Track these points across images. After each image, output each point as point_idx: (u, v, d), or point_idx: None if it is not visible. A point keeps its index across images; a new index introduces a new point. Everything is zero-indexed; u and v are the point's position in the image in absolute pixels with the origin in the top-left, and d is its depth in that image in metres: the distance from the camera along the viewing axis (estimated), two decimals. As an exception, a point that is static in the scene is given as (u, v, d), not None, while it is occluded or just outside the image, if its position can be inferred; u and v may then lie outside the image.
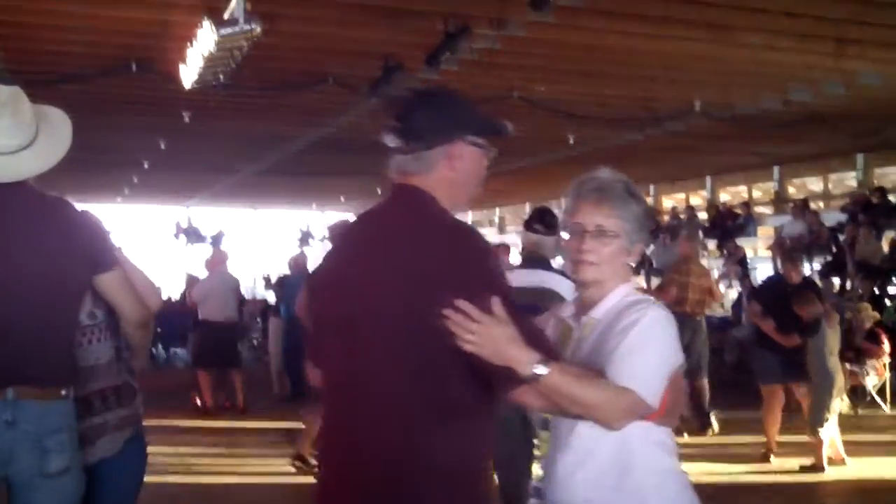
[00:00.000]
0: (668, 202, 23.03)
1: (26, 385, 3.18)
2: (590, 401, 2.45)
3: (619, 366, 2.51)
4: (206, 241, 25.21)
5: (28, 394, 3.19)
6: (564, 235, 2.93)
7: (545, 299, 5.92)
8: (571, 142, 14.18)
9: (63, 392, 3.26)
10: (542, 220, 6.14)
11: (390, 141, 2.59)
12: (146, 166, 18.05)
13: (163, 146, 15.18)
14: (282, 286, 13.58)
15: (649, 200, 22.33)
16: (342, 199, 25.26)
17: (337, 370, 2.57)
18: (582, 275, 2.74)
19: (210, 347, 11.40)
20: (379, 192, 22.57)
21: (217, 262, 12.03)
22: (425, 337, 2.35)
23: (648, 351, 2.56)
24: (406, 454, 2.42)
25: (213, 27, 7.16)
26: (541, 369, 2.34)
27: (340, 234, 2.95)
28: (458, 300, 2.27)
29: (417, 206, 2.54)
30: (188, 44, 7.93)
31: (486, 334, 2.29)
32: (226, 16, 7.16)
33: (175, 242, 26.62)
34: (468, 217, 29.81)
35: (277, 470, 8.13)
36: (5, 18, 8.20)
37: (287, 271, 13.42)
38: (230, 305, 11.56)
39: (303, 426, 8.11)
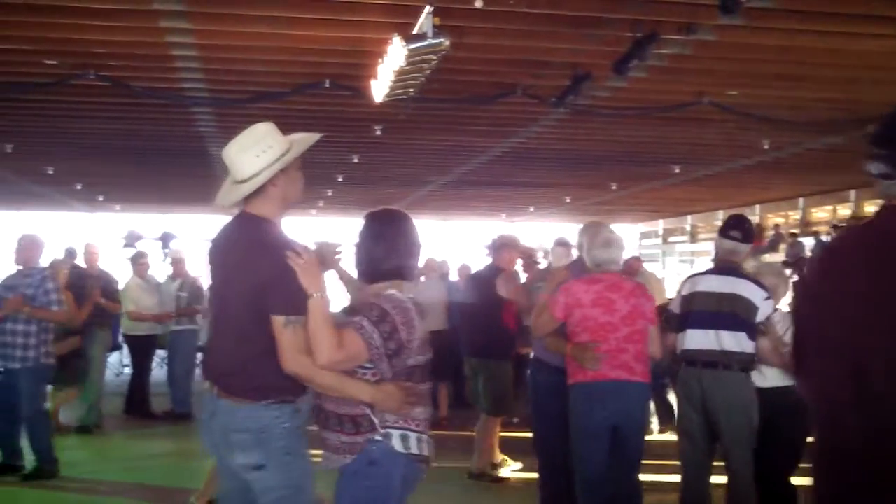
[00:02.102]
0: (870, 208, 22.07)
1: (220, 387, 3.81)
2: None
3: None
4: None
5: (224, 393, 3.78)
6: None
7: (737, 306, 5.79)
8: (766, 147, 13.76)
9: (254, 397, 3.70)
10: (739, 228, 6.08)
11: (874, 168, 2.52)
12: (340, 180, 18.55)
13: (356, 160, 15.57)
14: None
15: (850, 208, 21.44)
16: (531, 209, 25.30)
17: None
18: None
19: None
20: (567, 200, 22.55)
21: (429, 270, 12.23)
22: None
23: None
24: None
25: (403, 43, 7.29)
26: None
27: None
28: None
29: None
30: (379, 60, 8.10)
31: None
32: (415, 31, 7.28)
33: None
34: (659, 226, 29.42)
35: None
36: (205, 42, 8.59)
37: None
38: (440, 314, 11.62)
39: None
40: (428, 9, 7.02)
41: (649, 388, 5.77)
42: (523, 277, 8.87)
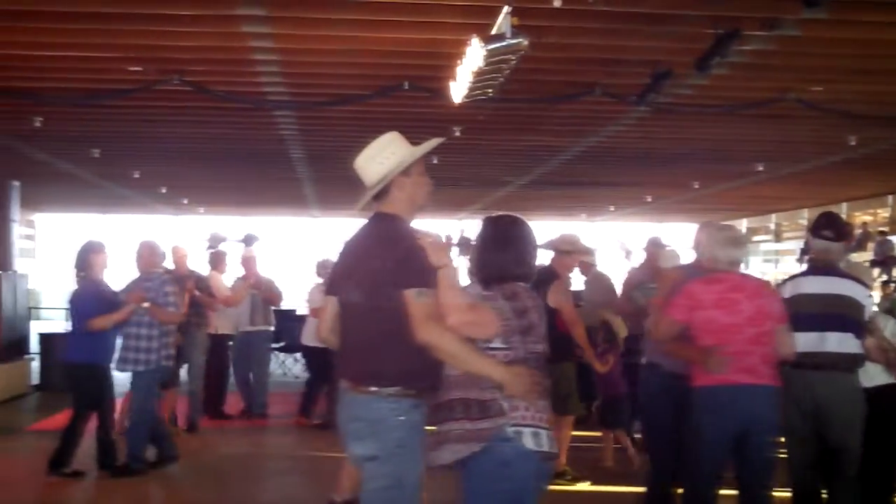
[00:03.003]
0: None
1: (344, 378, 4.05)
2: None
3: None
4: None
5: (345, 384, 4.03)
6: None
7: (845, 306, 5.67)
8: (853, 143, 13.47)
9: (372, 389, 3.86)
10: (831, 227, 5.95)
11: None
12: (419, 181, 18.58)
13: (435, 161, 15.59)
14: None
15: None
16: (611, 208, 25.12)
17: None
18: None
19: None
20: (649, 199, 22.35)
21: None
22: None
23: None
24: None
25: (482, 43, 7.29)
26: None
27: None
28: None
29: None
30: (457, 61, 8.11)
31: None
32: (493, 32, 7.27)
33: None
34: (743, 225, 29.01)
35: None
36: (286, 46, 8.68)
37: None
38: None
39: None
40: (506, 9, 7.01)
41: (778, 391, 5.50)
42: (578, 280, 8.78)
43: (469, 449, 3.78)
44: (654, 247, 9.02)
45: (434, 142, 4.27)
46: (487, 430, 3.75)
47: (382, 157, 4.12)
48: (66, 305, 8.86)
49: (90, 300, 8.44)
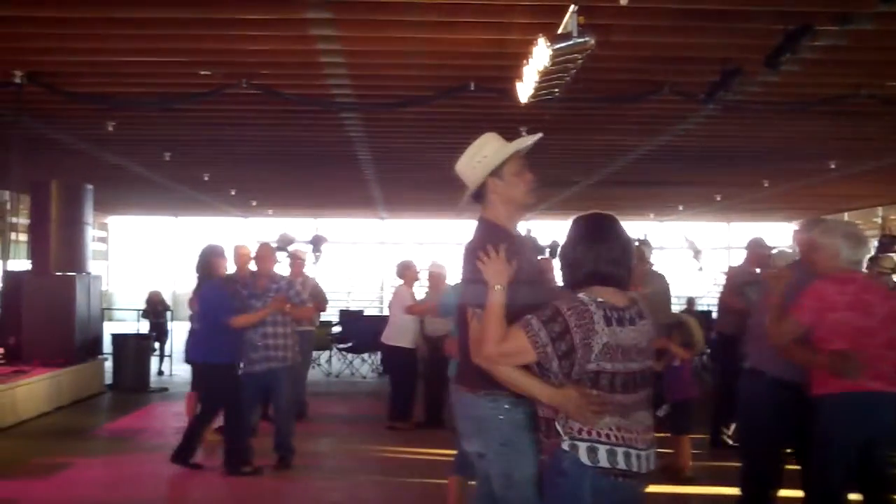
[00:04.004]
0: None
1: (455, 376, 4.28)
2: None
3: None
4: (544, 253, 25.59)
5: (456, 382, 4.25)
6: None
7: None
8: (930, 139, 13.19)
9: (472, 388, 4.01)
10: None
11: None
12: (486, 182, 18.56)
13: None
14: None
15: None
16: (680, 208, 24.87)
17: None
18: None
19: None
20: (718, 198, 22.09)
21: (545, 270, 12.21)
22: None
23: None
24: None
25: (548, 43, 7.26)
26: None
27: None
28: None
29: None
30: (524, 61, 8.09)
31: None
32: (559, 31, 7.24)
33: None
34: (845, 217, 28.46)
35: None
36: (353, 48, 8.73)
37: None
38: None
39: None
40: (573, 8, 6.98)
41: None
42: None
43: (542, 461, 3.85)
44: (758, 247, 8.95)
45: (526, 139, 4.28)
46: (550, 444, 3.75)
47: (475, 160, 4.21)
48: (195, 307, 9.01)
49: (225, 300, 8.72)
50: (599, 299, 3.74)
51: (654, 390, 3.99)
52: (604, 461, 3.65)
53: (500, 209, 4.18)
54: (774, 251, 8.80)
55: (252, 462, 8.80)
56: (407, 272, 11.75)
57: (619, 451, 3.68)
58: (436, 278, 11.85)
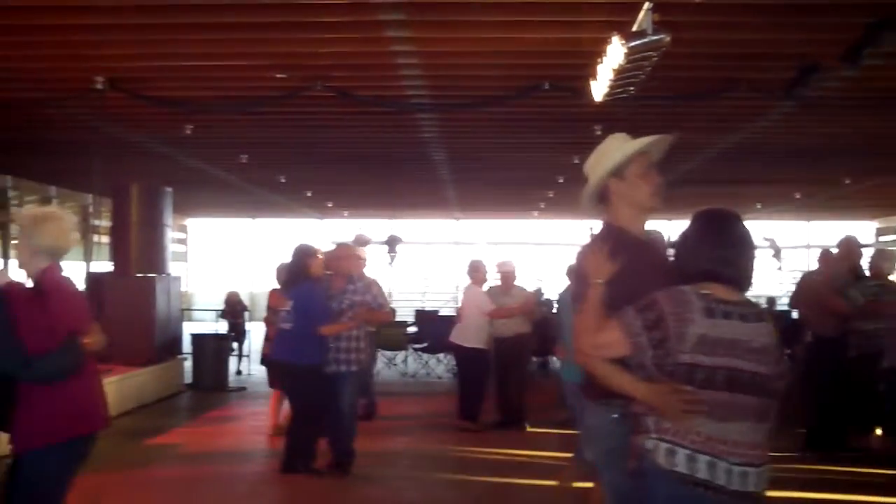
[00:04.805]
0: None
1: None
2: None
3: None
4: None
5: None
6: None
7: None
8: None
9: (590, 396, 4.02)
10: None
11: None
12: (560, 181, 18.52)
13: (576, 160, 15.50)
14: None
15: None
16: (758, 206, 24.51)
17: None
18: None
19: None
20: (798, 196, 21.73)
21: None
22: None
23: None
24: None
25: (622, 41, 7.21)
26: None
27: None
28: None
29: None
30: (598, 59, 8.04)
31: None
32: (634, 29, 7.19)
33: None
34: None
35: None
36: (427, 49, 8.76)
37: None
38: None
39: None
40: (647, 5, 6.92)
41: None
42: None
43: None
44: (854, 246, 8.82)
45: (651, 139, 4.15)
46: (637, 445, 3.62)
47: (600, 163, 4.12)
48: (286, 306, 8.87)
49: (319, 305, 8.71)
50: (704, 291, 3.57)
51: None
52: (682, 466, 3.46)
53: (622, 211, 4.07)
54: (871, 250, 8.64)
55: (316, 464, 8.77)
56: (476, 273, 11.74)
57: (702, 458, 3.45)
58: (505, 277, 11.84)
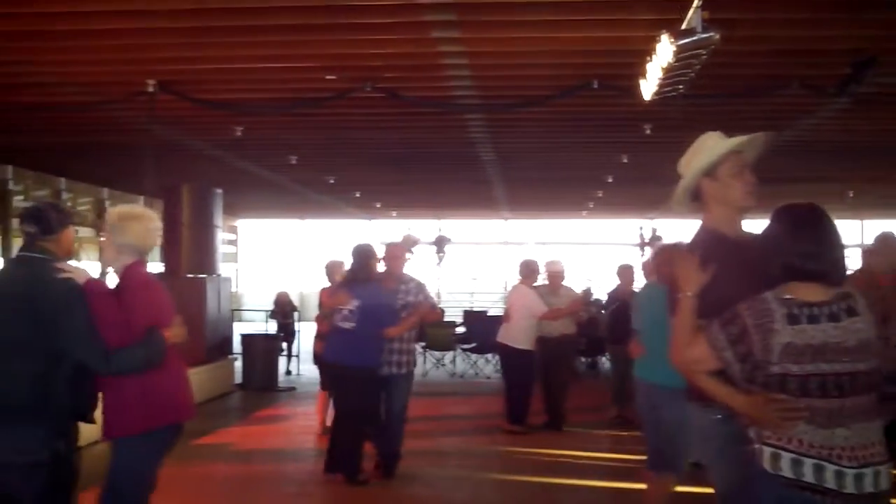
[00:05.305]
0: None
1: None
2: None
3: None
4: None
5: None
6: None
7: None
8: None
9: (691, 397, 3.94)
10: None
11: None
12: (609, 180, 18.44)
13: (625, 160, 15.43)
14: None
15: None
16: (809, 204, 24.23)
17: None
18: None
19: None
20: (851, 195, 21.44)
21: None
22: None
23: None
24: None
25: (672, 39, 7.15)
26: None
27: None
28: None
29: None
30: (647, 58, 7.99)
31: None
32: (683, 27, 7.13)
33: (640, 253, 26.91)
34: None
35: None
36: (474, 49, 8.74)
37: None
38: None
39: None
40: (696, 3, 6.86)
41: None
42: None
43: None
44: (890, 242, 8.67)
45: (746, 138, 4.07)
46: (748, 451, 3.54)
47: (693, 162, 4.10)
48: (353, 305, 8.56)
49: (387, 305, 8.63)
50: (786, 296, 3.46)
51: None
52: (787, 471, 3.38)
53: (715, 212, 4.03)
54: None
55: (364, 468, 8.68)
56: (530, 272, 11.67)
57: (808, 462, 3.36)
58: (553, 277, 11.79)
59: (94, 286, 4.67)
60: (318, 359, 11.19)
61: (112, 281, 5.12)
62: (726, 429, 3.73)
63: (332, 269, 10.76)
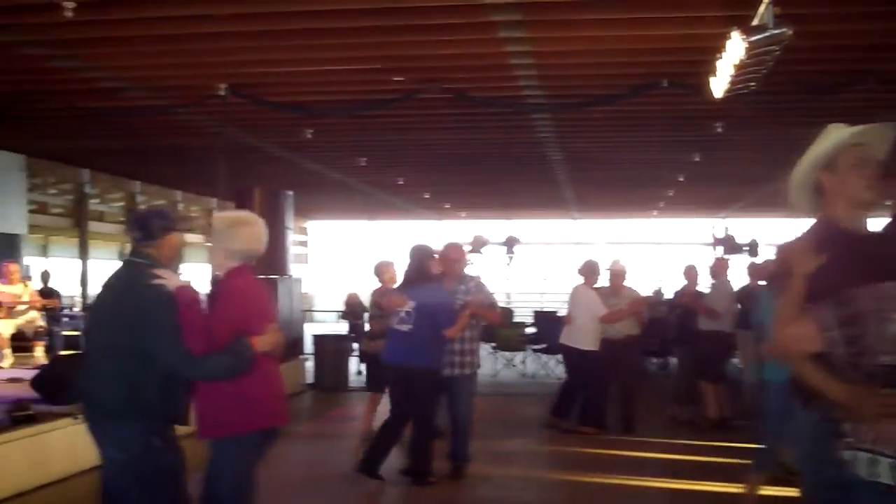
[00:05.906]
0: None
1: None
2: None
3: None
4: (742, 252, 24.86)
5: None
6: None
7: None
8: None
9: (798, 399, 3.78)
10: None
11: None
12: (681, 179, 18.25)
13: (697, 158, 15.26)
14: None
15: None
16: (888, 203, 23.74)
17: None
18: None
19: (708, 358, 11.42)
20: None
21: (720, 270, 11.92)
22: None
23: None
24: None
25: (743, 36, 7.06)
26: None
27: None
28: None
29: None
30: (717, 55, 7.89)
31: None
32: (754, 23, 7.03)
33: (712, 253, 26.56)
34: None
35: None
36: (541, 49, 8.72)
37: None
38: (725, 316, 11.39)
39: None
40: (767, -1, 6.77)
41: None
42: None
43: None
44: None
45: (860, 129, 3.88)
46: (837, 450, 3.38)
47: (811, 156, 3.96)
48: (410, 307, 8.39)
49: (446, 307, 8.49)
50: None
51: None
52: (885, 477, 3.20)
53: (835, 206, 3.84)
54: None
55: (433, 471, 8.59)
56: (591, 273, 11.57)
57: None
58: (614, 278, 11.68)
59: (185, 293, 4.70)
60: (364, 357, 11.12)
61: (203, 287, 5.15)
62: (823, 433, 3.58)
63: (380, 269, 10.76)
